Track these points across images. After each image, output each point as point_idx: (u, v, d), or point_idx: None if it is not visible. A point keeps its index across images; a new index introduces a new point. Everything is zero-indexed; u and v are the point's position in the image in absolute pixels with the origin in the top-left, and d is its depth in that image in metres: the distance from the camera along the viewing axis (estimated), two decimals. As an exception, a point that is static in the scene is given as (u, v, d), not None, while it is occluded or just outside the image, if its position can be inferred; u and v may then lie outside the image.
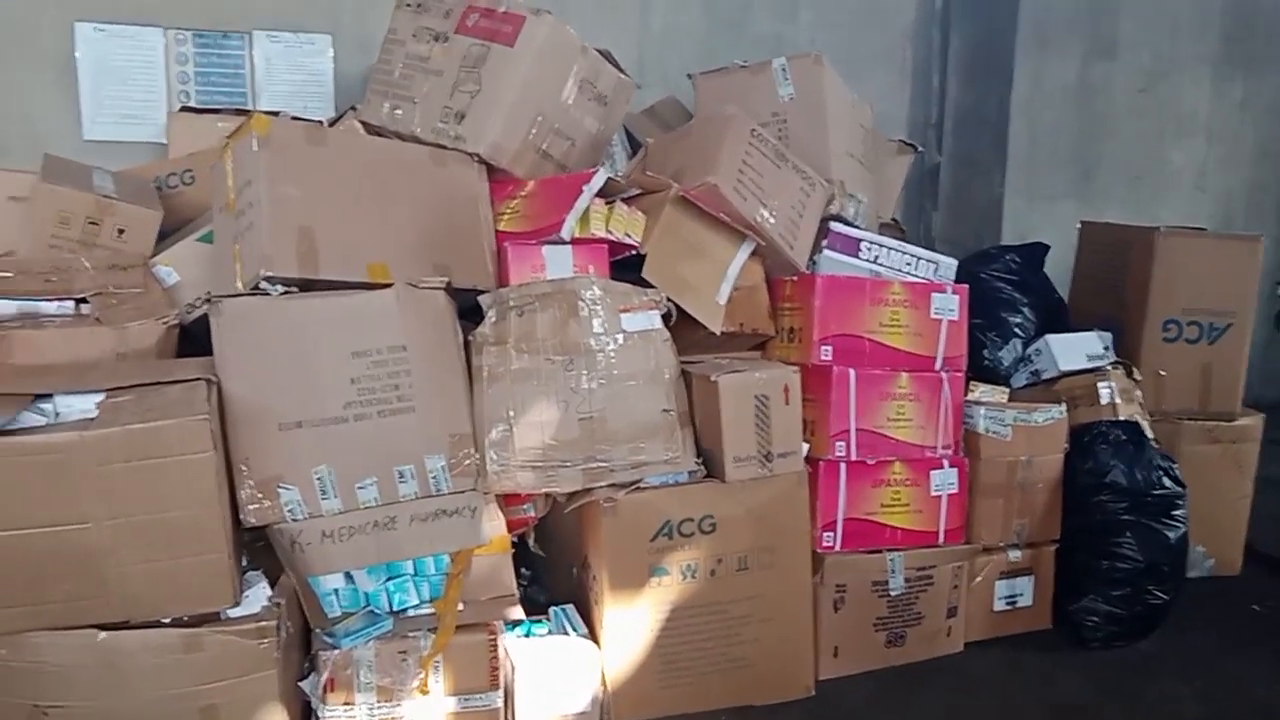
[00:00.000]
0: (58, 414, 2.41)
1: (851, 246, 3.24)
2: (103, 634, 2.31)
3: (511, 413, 2.60)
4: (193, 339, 2.87)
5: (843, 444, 2.97)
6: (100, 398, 2.40)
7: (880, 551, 3.08)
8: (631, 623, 2.73)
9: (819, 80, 3.36)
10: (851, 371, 2.97)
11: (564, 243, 2.73)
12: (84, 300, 2.82)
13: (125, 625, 2.33)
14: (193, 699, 2.37)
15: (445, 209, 2.80)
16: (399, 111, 2.98)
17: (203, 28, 3.87)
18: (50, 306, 2.79)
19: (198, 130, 3.62)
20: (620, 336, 2.63)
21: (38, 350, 2.61)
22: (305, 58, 4.03)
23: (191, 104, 3.85)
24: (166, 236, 3.17)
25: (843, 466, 2.99)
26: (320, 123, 3.22)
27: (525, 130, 2.91)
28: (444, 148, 2.87)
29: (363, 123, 3.10)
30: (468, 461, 2.61)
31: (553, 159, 3.02)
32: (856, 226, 3.34)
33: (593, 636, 2.77)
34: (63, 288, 2.81)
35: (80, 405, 2.40)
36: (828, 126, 3.37)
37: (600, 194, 2.78)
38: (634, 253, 2.81)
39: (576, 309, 2.61)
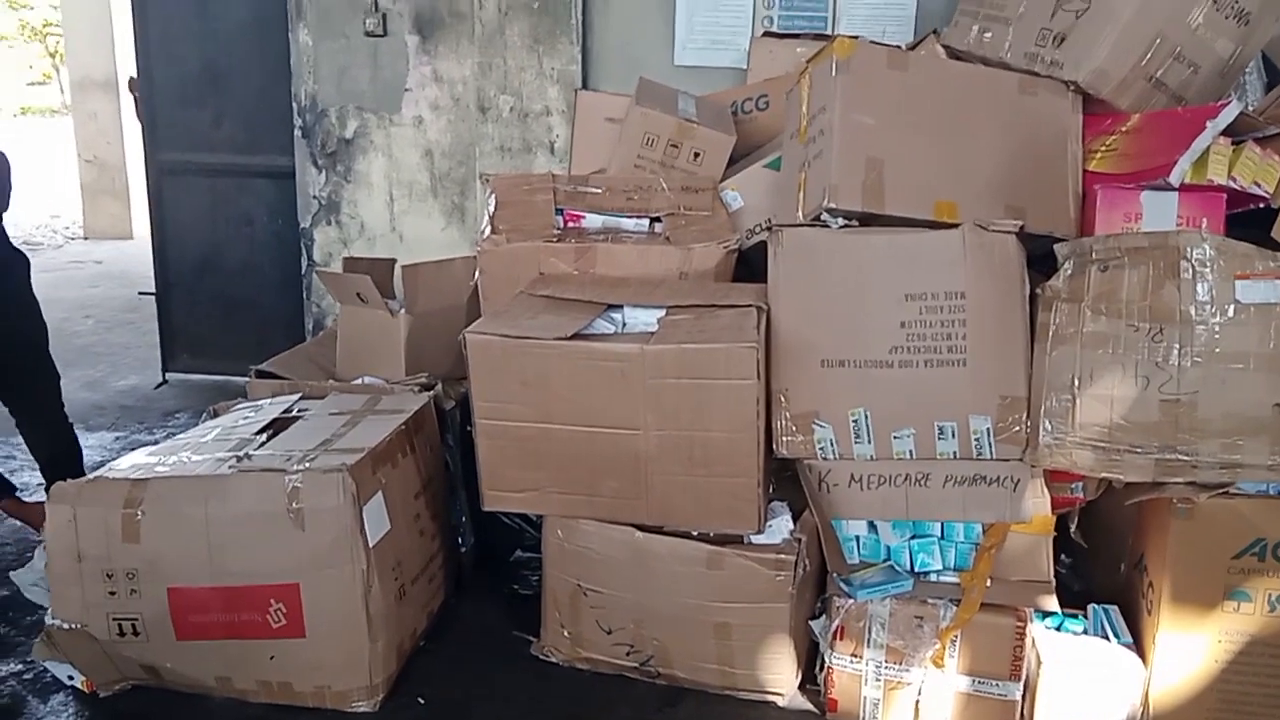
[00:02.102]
0: (624, 324, 2.57)
1: None
2: (639, 534, 2.46)
3: (1077, 381, 2.28)
4: (749, 264, 2.92)
5: None
6: (662, 313, 2.52)
7: None
8: (1191, 646, 2.30)
9: None
10: None
11: (1170, 189, 2.30)
12: (657, 219, 2.97)
13: (659, 530, 2.46)
14: (709, 613, 2.44)
15: (1027, 144, 2.51)
16: (988, 35, 2.71)
17: (793, -49, 3.88)
18: (629, 223, 2.98)
19: (777, 56, 3.65)
20: (1231, 308, 2.16)
21: (615, 263, 2.80)
22: (889, -21, 3.87)
23: (774, 29, 3.88)
24: (736, 161, 3.23)
25: None
26: (898, 47, 3.05)
27: (1138, 55, 2.49)
28: (1036, 74, 2.56)
29: (945, 47, 2.88)
30: (1017, 428, 2.35)
31: (1167, 89, 2.55)
32: None
33: (1138, 649, 2.38)
34: (642, 206, 2.98)
35: (644, 318, 2.54)
36: None
37: (1226, 132, 2.29)
38: (1261, 205, 2.30)
39: (1177, 269, 2.18)
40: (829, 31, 3.92)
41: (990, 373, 2.35)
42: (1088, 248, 2.31)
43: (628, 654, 2.56)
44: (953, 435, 2.39)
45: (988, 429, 2.37)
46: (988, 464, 2.40)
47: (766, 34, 3.82)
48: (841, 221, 2.41)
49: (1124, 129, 2.49)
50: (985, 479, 2.41)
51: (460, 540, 2.97)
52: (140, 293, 5.06)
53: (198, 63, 4.61)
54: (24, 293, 2.95)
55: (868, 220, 2.43)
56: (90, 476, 2.43)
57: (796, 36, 3.73)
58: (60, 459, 3.03)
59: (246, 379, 3.18)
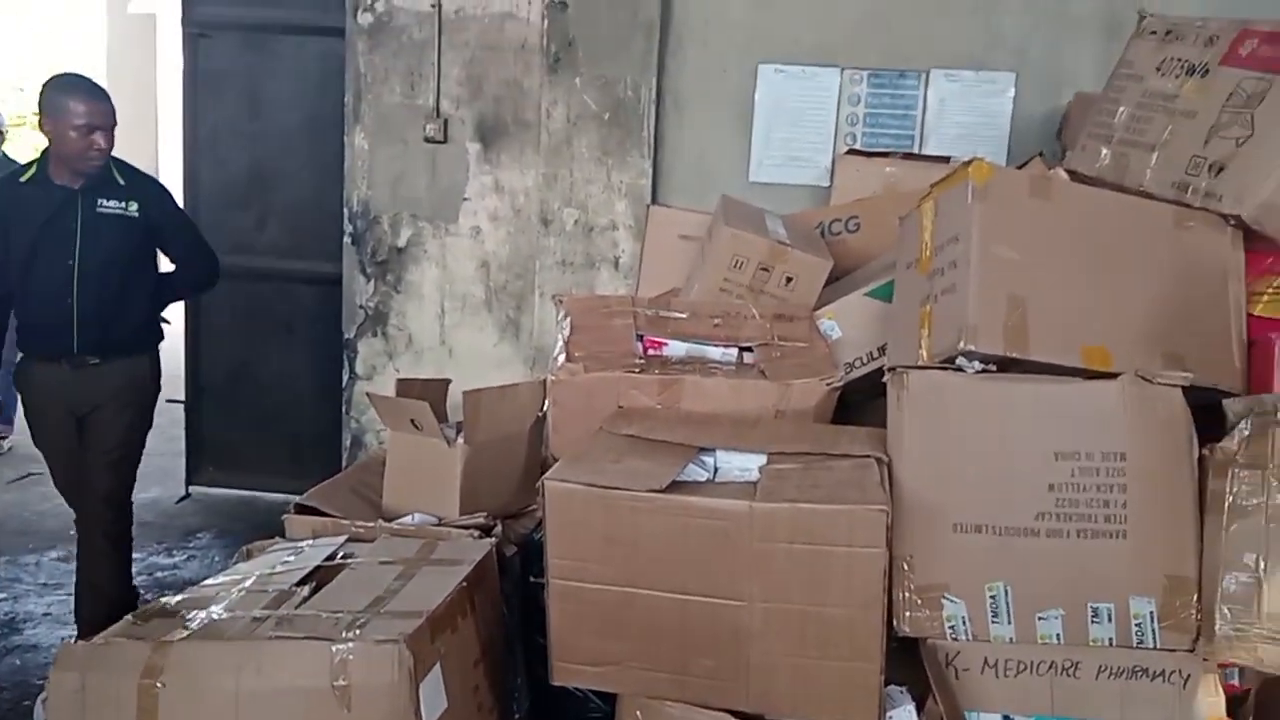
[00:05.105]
0: (717, 469, 2.27)
1: None
2: (735, 722, 2.10)
3: (1262, 563, 1.94)
4: (844, 402, 2.63)
5: None
6: (762, 460, 2.22)
7: None
8: None
9: None
10: None
11: (1366, 341, 2.00)
12: (747, 349, 2.69)
13: (758, 719, 2.11)
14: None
15: (1183, 284, 2.22)
16: (1125, 160, 2.45)
17: (880, 67, 3.66)
18: (716, 352, 2.70)
19: (864, 174, 3.42)
20: None
21: (705, 397, 2.50)
22: (982, 98, 3.64)
23: (858, 146, 3.66)
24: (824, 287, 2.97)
25: None
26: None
27: (1313, 188, 2.22)
28: (1187, 206, 2.29)
29: (1070, 172, 2.62)
30: (1185, 614, 2.02)
31: (1345, 224, 2.27)
32: None
33: None
34: (730, 334, 2.71)
35: (740, 464, 2.25)
36: None
37: None
38: None
39: (1388, 437, 1.87)
40: (916, 149, 3.69)
41: (1155, 548, 2.03)
42: (1270, 405, 2.00)
43: None
44: (1109, 619, 2.05)
45: (1151, 613, 2.03)
46: (1151, 654, 2.05)
47: (851, 151, 3.59)
48: (979, 365, 2.12)
49: (1295, 269, 2.21)
50: (1148, 672, 2.05)
51: (515, 706, 2.61)
52: (169, 400, 4.80)
53: (245, 164, 4.44)
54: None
55: (1005, 365, 2.13)
56: (104, 636, 2.09)
57: (885, 155, 3.50)
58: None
59: (274, 495, 2.87)
